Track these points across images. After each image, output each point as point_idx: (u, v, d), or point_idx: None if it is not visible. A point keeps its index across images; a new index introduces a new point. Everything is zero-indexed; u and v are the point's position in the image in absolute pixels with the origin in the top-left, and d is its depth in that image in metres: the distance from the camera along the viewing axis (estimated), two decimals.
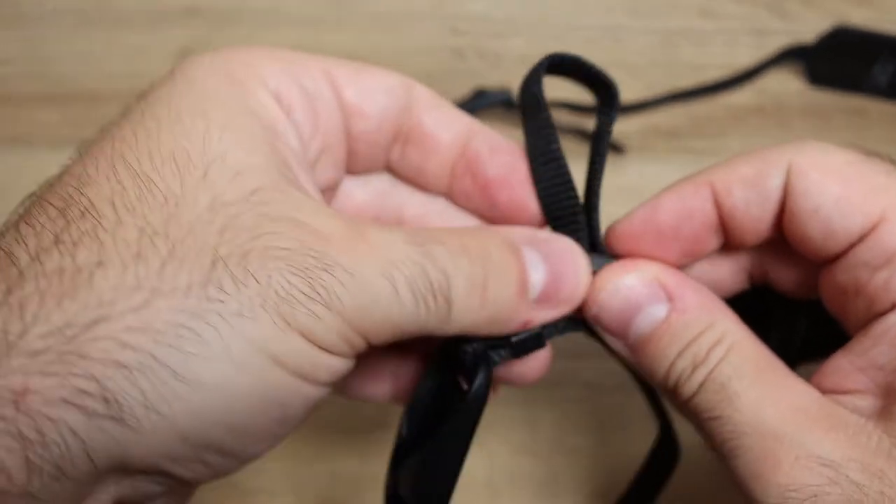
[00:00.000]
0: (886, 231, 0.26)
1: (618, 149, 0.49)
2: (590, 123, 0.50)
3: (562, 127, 0.50)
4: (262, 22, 0.54)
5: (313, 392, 0.25)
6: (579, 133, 0.50)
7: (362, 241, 0.24)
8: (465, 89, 0.51)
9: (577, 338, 0.44)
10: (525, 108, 0.29)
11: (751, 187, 0.28)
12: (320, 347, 0.24)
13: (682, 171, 0.49)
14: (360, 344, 0.25)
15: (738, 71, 0.51)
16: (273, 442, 0.25)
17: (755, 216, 0.28)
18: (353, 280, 0.24)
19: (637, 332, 0.28)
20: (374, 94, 0.29)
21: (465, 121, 0.30)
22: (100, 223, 0.22)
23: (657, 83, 0.51)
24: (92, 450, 0.21)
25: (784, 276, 0.30)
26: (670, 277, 0.28)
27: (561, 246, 0.28)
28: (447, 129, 0.30)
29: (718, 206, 0.28)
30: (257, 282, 0.22)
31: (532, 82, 0.28)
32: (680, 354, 0.27)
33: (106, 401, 0.21)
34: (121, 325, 0.21)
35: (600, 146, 0.29)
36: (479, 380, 0.27)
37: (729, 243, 0.29)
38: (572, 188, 0.29)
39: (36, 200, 0.25)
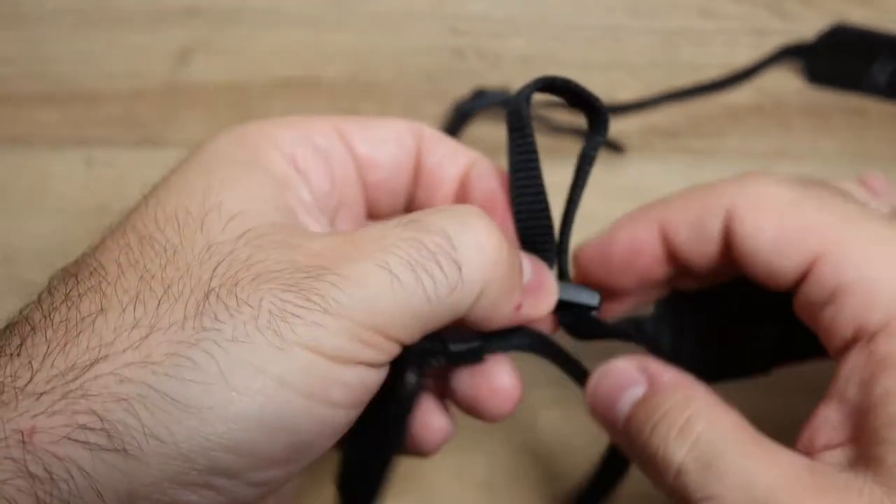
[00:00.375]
0: (824, 268, 0.26)
1: (617, 148, 0.49)
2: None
3: (561, 126, 0.50)
4: (262, 22, 0.54)
5: (327, 413, 0.24)
6: (579, 132, 0.50)
7: (350, 244, 0.25)
8: (465, 89, 0.51)
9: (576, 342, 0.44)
10: (511, 128, 0.30)
11: (693, 230, 0.29)
12: (331, 358, 0.23)
13: (682, 171, 0.49)
14: (383, 343, 0.24)
15: (738, 70, 0.51)
16: (289, 466, 0.24)
17: (701, 254, 0.29)
18: (347, 279, 0.24)
19: (621, 413, 0.29)
20: (383, 144, 0.30)
21: (467, 155, 0.32)
22: (105, 278, 0.24)
23: (657, 83, 0.51)
24: (99, 484, 0.21)
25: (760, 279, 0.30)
26: (651, 363, 0.30)
27: (544, 267, 0.30)
28: (451, 164, 0.31)
29: (666, 242, 0.30)
30: (249, 306, 0.23)
31: (520, 103, 0.29)
32: (655, 425, 0.27)
33: (108, 434, 0.22)
34: (120, 361, 0.22)
35: (584, 170, 0.31)
36: (408, 378, 0.27)
37: (682, 272, 0.30)
38: (547, 216, 0.30)
39: (60, 273, 0.26)
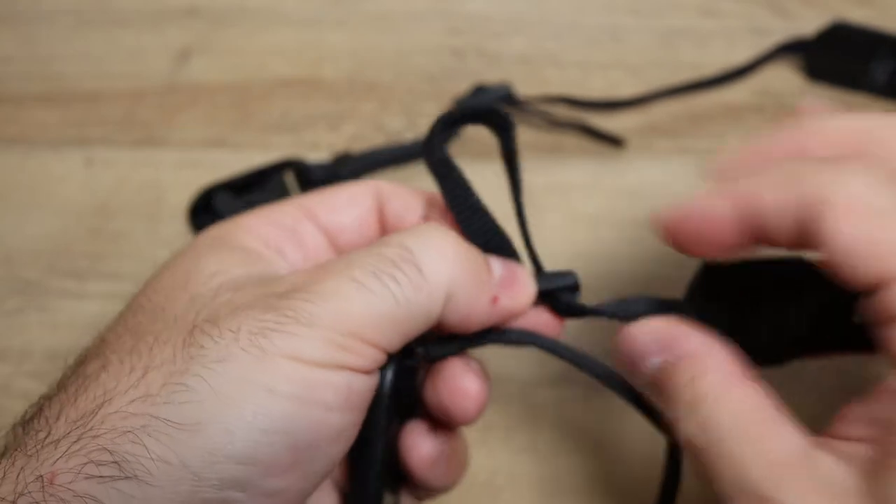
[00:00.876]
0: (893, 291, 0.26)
1: (617, 142, 0.49)
2: (589, 118, 0.50)
3: (562, 122, 0.50)
4: (262, 22, 0.54)
5: (320, 416, 0.25)
6: (579, 127, 0.50)
7: (320, 269, 0.27)
8: (464, 89, 0.51)
9: (578, 338, 0.44)
10: (435, 172, 0.32)
11: (779, 217, 0.28)
12: (313, 364, 0.25)
13: (682, 171, 0.49)
14: (364, 348, 0.26)
15: (737, 67, 0.51)
16: (297, 472, 0.25)
17: (781, 235, 0.28)
18: (317, 294, 0.26)
19: (646, 373, 0.30)
20: (344, 209, 0.32)
21: (421, 197, 0.33)
22: (105, 345, 0.27)
23: (657, 82, 0.51)
24: None
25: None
26: (674, 328, 0.30)
27: (513, 263, 0.31)
28: (411, 213, 0.33)
29: (747, 220, 0.28)
30: (231, 331, 0.25)
31: (434, 148, 0.31)
32: (670, 397, 0.28)
33: (119, 465, 0.23)
34: (123, 401, 0.25)
35: (514, 171, 0.33)
36: (383, 374, 0.29)
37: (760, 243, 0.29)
38: (503, 234, 0.31)
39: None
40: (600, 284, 0.44)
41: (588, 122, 0.50)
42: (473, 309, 0.29)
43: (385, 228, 0.33)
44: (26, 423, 0.26)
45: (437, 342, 0.30)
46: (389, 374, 0.29)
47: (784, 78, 0.52)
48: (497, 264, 0.30)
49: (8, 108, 0.52)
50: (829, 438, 0.26)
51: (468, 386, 0.31)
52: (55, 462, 0.24)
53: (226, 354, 0.25)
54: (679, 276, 0.45)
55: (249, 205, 0.47)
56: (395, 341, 0.27)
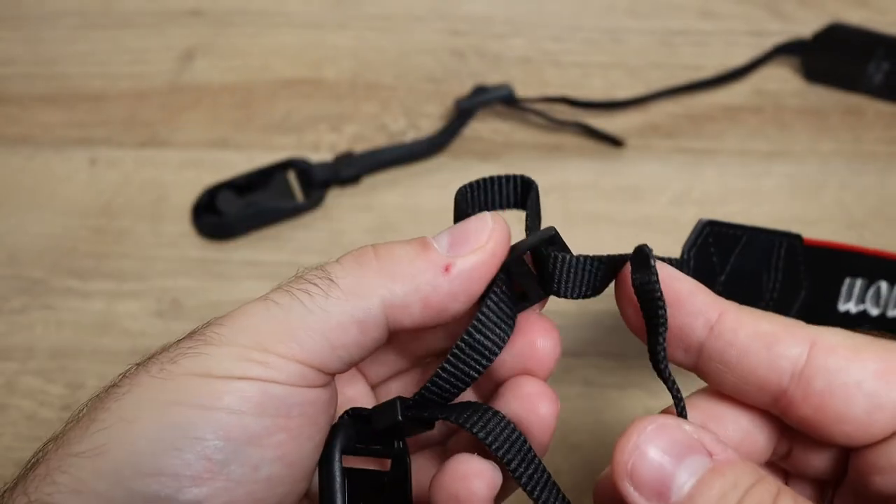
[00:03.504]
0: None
1: (617, 142, 0.50)
2: (588, 118, 0.50)
3: (562, 122, 0.50)
4: (265, 23, 0.55)
5: (228, 419, 0.25)
6: (579, 127, 0.50)
7: (242, 305, 0.27)
8: (465, 90, 0.51)
9: (577, 335, 0.45)
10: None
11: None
12: (221, 377, 0.25)
13: (681, 171, 0.49)
14: (277, 360, 0.25)
15: (735, 68, 0.52)
16: (217, 479, 0.25)
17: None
18: (230, 318, 0.26)
19: (682, 485, 0.24)
20: None
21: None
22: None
23: (656, 83, 0.52)
24: None
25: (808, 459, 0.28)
26: (704, 433, 0.25)
27: (466, 219, 0.29)
28: None
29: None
30: (145, 368, 0.26)
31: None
32: (743, 498, 0.23)
33: None
34: (50, 451, 0.25)
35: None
36: (338, 427, 0.28)
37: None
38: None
39: None
40: None
41: (588, 123, 0.50)
42: (425, 293, 0.27)
43: None
44: None
45: (413, 405, 0.28)
46: (339, 432, 0.27)
47: (782, 79, 0.52)
48: (443, 235, 0.28)
49: (12, 108, 0.52)
50: None
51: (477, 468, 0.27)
52: None
53: (135, 384, 0.25)
54: None
55: (252, 205, 0.48)
56: (323, 353, 0.26)
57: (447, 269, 0.27)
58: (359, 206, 0.49)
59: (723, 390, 0.27)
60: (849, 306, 0.41)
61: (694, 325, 0.26)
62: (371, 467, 0.29)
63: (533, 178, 0.51)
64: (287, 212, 0.48)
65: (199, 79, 0.53)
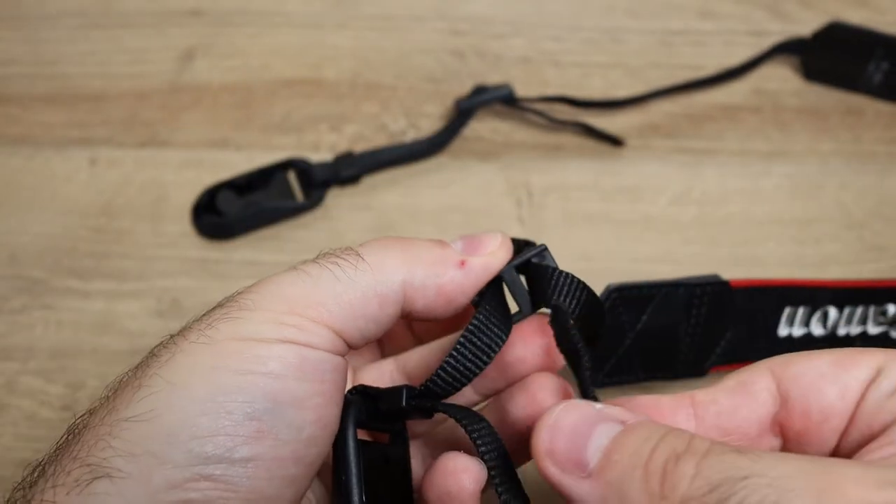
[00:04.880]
0: (891, 370, 0.26)
1: (617, 142, 0.50)
2: (587, 117, 0.50)
3: (561, 122, 0.50)
4: (265, 23, 0.55)
5: (272, 384, 0.26)
6: (579, 126, 0.50)
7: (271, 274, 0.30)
8: (465, 90, 0.51)
9: None
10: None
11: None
12: (258, 340, 0.27)
13: (681, 171, 0.49)
14: (308, 324, 0.27)
15: (735, 66, 0.52)
16: (265, 439, 0.26)
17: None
18: (260, 286, 0.28)
19: (596, 450, 0.25)
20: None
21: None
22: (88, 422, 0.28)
23: (656, 83, 0.52)
24: None
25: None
26: (616, 409, 0.26)
27: (478, 232, 0.32)
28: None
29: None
30: (184, 336, 0.27)
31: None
32: (657, 446, 0.24)
33: (90, 470, 0.25)
34: (96, 421, 0.26)
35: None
36: (351, 403, 0.30)
37: None
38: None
39: None
40: (600, 284, 0.45)
41: (588, 123, 0.50)
42: (441, 280, 0.30)
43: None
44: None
45: (418, 395, 0.30)
46: (353, 407, 0.29)
47: (781, 78, 0.52)
48: (458, 240, 0.31)
49: (13, 108, 0.52)
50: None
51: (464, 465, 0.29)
52: (55, 488, 0.25)
53: (176, 350, 0.27)
54: (677, 274, 0.45)
55: (252, 205, 0.48)
56: (347, 321, 0.28)
57: (462, 263, 0.30)
58: (359, 206, 0.49)
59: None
60: (790, 331, 0.42)
61: (680, 423, 0.27)
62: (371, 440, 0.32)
63: (533, 178, 0.51)
64: (287, 212, 0.48)
65: (199, 79, 0.53)
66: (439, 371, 0.29)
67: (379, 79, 0.53)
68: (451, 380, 0.29)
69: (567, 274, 0.30)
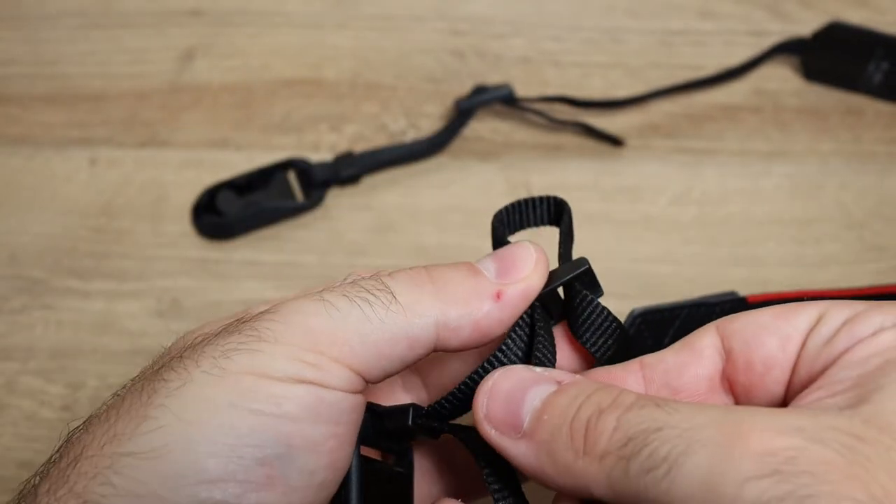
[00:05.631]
0: (831, 316, 0.26)
1: (617, 142, 0.50)
2: (587, 117, 0.50)
3: (562, 121, 0.50)
4: (265, 23, 0.55)
5: (289, 427, 0.25)
6: (579, 126, 0.50)
7: (293, 299, 0.27)
8: (465, 90, 0.51)
9: None
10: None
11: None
12: (276, 379, 0.25)
13: (681, 172, 0.49)
14: (329, 364, 0.25)
15: (735, 66, 0.52)
16: (276, 486, 0.25)
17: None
18: (283, 314, 0.26)
19: (529, 410, 0.26)
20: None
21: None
22: (90, 421, 0.26)
23: (656, 84, 0.52)
24: None
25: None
26: (553, 372, 0.27)
27: (509, 246, 0.30)
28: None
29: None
30: (193, 360, 0.25)
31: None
32: (583, 403, 0.24)
33: None
34: (95, 447, 0.25)
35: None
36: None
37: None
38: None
39: None
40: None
41: (588, 123, 0.50)
42: (476, 318, 0.28)
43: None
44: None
45: (425, 415, 0.29)
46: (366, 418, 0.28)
47: (781, 78, 0.52)
48: (489, 261, 0.29)
49: (13, 108, 0.52)
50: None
51: None
52: None
53: (186, 379, 0.25)
54: (677, 274, 0.45)
55: (252, 204, 0.48)
56: (370, 362, 0.26)
57: (498, 296, 0.28)
58: (359, 205, 0.49)
59: None
60: None
61: (633, 387, 0.27)
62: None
63: (533, 178, 0.51)
64: (287, 212, 0.48)
65: (199, 79, 0.53)
66: (454, 392, 0.28)
67: (379, 79, 0.53)
68: (460, 404, 0.28)
69: (602, 310, 0.29)
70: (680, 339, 0.28)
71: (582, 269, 0.29)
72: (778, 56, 0.52)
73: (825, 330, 0.25)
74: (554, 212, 0.31)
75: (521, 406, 0.25)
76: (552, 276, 0.29)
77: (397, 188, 0.49)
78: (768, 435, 0.21)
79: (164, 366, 0.26)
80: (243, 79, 0.53)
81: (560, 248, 0.31)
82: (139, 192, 0.49)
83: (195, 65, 0.53)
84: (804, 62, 0.52)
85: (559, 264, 0.31)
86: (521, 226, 0.31)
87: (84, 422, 0.26)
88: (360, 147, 0.50)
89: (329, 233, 0.48)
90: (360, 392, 0.27)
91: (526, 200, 0.31)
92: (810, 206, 0.48)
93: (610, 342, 0.29)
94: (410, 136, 0.51)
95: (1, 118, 0.52)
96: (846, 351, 0.25)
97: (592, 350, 0.29)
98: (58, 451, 0.26)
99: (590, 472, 0.23)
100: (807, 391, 0.25)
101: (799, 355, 0.26)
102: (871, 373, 0.23)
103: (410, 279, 0.27)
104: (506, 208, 0.31)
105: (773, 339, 0.26)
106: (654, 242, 0.47)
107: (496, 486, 0.27)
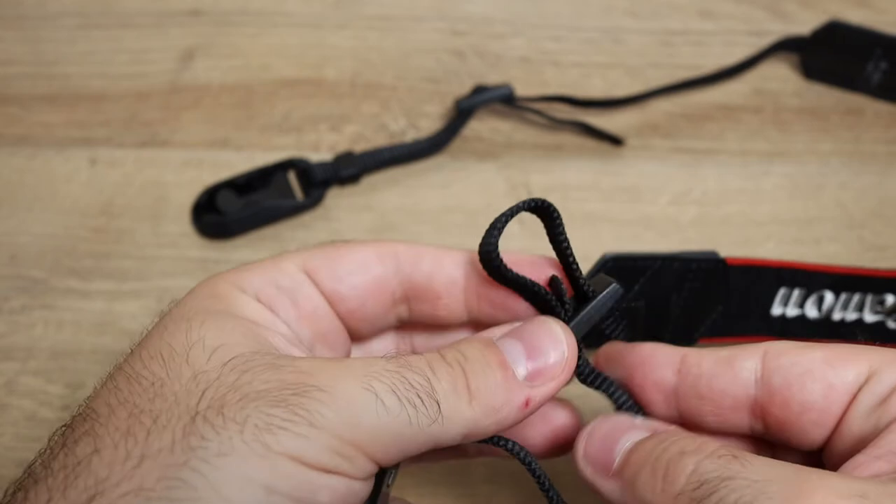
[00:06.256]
0: (883, 375, 0.27)
1: (616, 141, 0.50)
2: (587, 117, 0.50)
3: (561, 120, 0.50)
4: (265, 23, 0.55)
5: None
6: (579, 125, 0.50)
7: (338, 365, 0.26)
8: (465, 90, 0.51)
9: None
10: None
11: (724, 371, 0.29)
12: (314, 467, 0.25)
13: (681, 172, 0.49)
14: (361, 460, 0.26)
15: (734, 64, 0.52)
16: None
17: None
18: (333, 396, 0.25)
19: (619, 451, 0.28)
20: (347, 277, 0.31)
21: (452, 256, 0.32)
22: (97, 420, 0.25)
23: (656, 84, 0.52)
24: None
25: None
26: (653, 422, 0.30)
27: (534, 324, 0.30)
28: (439, 272, 0.32)
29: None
30: (235, 422, 0.24)
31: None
32: (668, 446, 0.26)
33: None
34: (115, 494, 0.23)
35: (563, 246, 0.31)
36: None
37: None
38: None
39: (58, 429, 0.27)
40: None
41: (585, 118, 0.50)
42: (504, 425, 0.28)
43: (413, 291, 0.32)
44: None
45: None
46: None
47: (781, 78, 0.52)
48: (517, 348, 0.29)
49: (13, 108, 0.52)
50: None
51: None
52: None
53: (228, 448, 0.24)
54: None
55: (252, 204, 0.48)
56: (393, 457, 0.27)
57: (527, 403, 0.28)
58: (359, 205, 0.49)
59: (707, 429, 0.30)
60: (784, 311, 0.42)
61: (664, 374, 0.30)
62: None
63: (533, 177, 0.51)
64: (287, 211, 0.48)
65: (199, 79, 0.53)
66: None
67: (379, 79, 0.53)
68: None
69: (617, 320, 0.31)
70: (726, 348, 0.30)
71: (620, 296, 0.31)
72: (777, 56, 0.53)
73: (879, 389, 0.27)
74: (535, 209, 0.31)
75: (615, 448, 0.28)
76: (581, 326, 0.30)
77: (397, 188, 0.49)
78: (832, 497, 0.23)
79: (198, 414, 0.24)
80: (243, 79, 0.53)
81: (559, 245, 0.31)
82: (139, 192, 0.49)
83: (195, 65, 0.53)
84: (804, 61, 0.52)
85: (558, 260, 0.31)
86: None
87: (84, 418, 0.25)
88: (360, 147, 0.50)
89: (329, 232, 0.48)
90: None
91: (505, 215, 0.30)
92: (810, 206, 0.48)
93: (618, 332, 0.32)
94: (410, 135, 0.51)
95: (1, 118, 0.52)
96: None
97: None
98: (55, 452, 0.25)
99: None
100: (865, 458, 0.26)
101: (848, 410, 0.27)
102: None
103: (451, 385, 0.27)
104: (491, 234, 0.30)
105: (817, 386, 0.28)
106: (653, 242, 0.47)
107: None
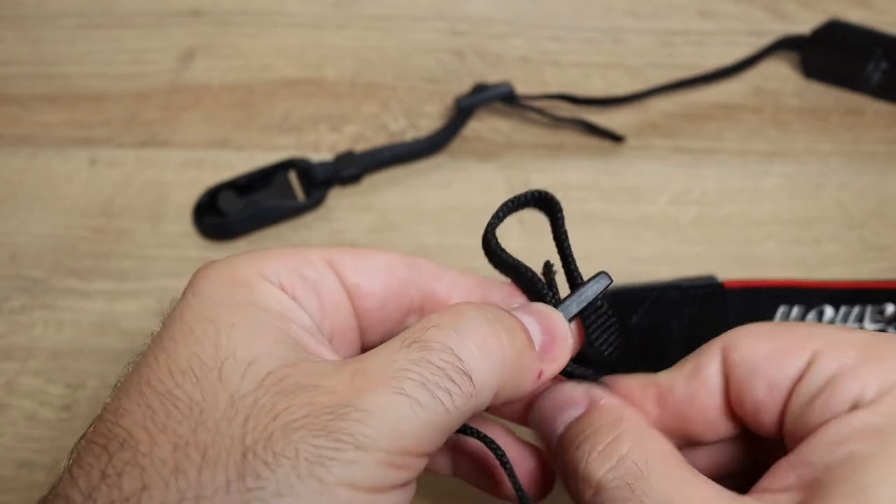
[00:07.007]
0: (819, 367, 0.27)
1: (617, 138, 0.50)
2: (587, 115, 0.50)
3: (562, 119, 0.50)
4: (265, 24, 0.55)
5: None
6: (578, 123, 0.50)
7: (363, 376, 0.26)
8: (464, 90, 0.51)
9: None
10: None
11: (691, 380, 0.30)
12: (370, 490, 0.24)
13: (680, 171, 0.49)
14: (414, 461, 0.26)
15: (734, 63, 0.52)
16: None
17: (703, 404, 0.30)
18: (369, 413, 0.25)
19: (557, 431, 0.30)
20: (374, 273, 0.31)
21: (471, 280, 0.32)
22: (138, 449, 0.24)
23: (656, 84, 0.52)
24: None
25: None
26: (596, 389, 0.31)
27: (540, 306, 0.31)
28: (457, 291, 0.32)
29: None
30: (286, 458, 0.24)
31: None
32: (581, 442, 0.28)
33: None
34: None
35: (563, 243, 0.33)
36: None
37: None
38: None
39: (83, 442, 0.26)
40: None
41: (585, 117, 0.50)
42: (520, 393, 0.29)
43: (421, 307, 0.32)
44: None
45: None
46: None
47: (781, 77, 0.52)
48: (535, 327, 0.29)
49: (13, 108, 0.52)
50: (758, 493, 0.26)
51: None
52: None
53: (285, 487, 0.23)
54: (676, 274, 0.45)
55: (253, 204, 0.48)
56: (440, 443, 0.26)
57: (540, 375, 0.29)
58: (359, 205, 0.49)
59: (707, 440, 0.30)
60: None
61: (647, 409, 0.30)
62: None
63: (533, 177, 0.51)
64: (288, 211, 0.48)
65: (199, 79, 0.53)
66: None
67: (379, 79, 0.53)
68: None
69: (606, 322, 0.31)
70: (689, 359, 0.30)
71: (607, 285, 0.32)
72: (777, 56, 0.53)
73: (813, 383, 0.27)
74: (539, 201, 0.32)
75: (553, 426, 0.30)
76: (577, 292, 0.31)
77: (398, 188, 0.49)
78: None
79: (248, 450, 0.24)
80: (243, 79, 0.53)
81: (560, 243, 0.32)
82: (139, 192, 0.49)
83: (195, 65, 0.53)
84: (804, 61, 0.52)
85: (560, 262, 0.32)
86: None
87: (127, 460, 0.24)
88: (360, 147, 0.50)
89: (330, 232, 0.48)
90: None
91: (506, 204, 0.32)
92: (810, 206, 0.48)
93: (612, 339, 0.32)
94: (410, 135, 0.51)
95: (1, 118, 0.52)
96: (820, 427, 0.26)
97: (597, 344, 0.31)
98: (93, 481, 0.24)
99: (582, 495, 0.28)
100: (787, 464, 0.26)
101: (785, 408, 0.27)
102: (832, 467, 0.25)
103: (482, 352, 0.27)
104: (494, 223, 0.31)
105: (761, 384, 0.28)
106: (653, 242, 0.47)
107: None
